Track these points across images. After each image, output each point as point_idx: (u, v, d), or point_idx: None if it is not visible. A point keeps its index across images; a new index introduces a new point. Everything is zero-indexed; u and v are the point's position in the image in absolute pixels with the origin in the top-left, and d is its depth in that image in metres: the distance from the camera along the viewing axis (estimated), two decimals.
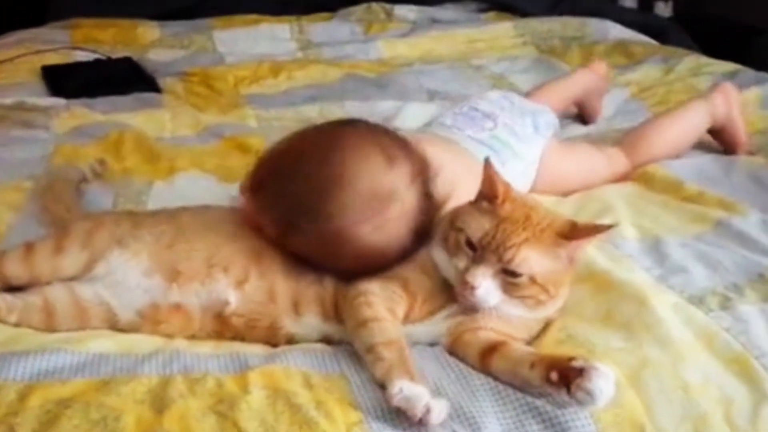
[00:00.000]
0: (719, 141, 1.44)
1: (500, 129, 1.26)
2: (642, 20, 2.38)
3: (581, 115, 1.63)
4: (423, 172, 0.93)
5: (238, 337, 0.90)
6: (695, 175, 1.27)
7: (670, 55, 1.93)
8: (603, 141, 1.43)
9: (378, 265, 0.89)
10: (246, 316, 0.89)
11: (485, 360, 0.82)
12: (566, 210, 1.11)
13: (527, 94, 1.56)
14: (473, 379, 0.81)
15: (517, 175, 1.18)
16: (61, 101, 1.64)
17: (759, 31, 2.39)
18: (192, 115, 1.62)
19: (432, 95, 1.75)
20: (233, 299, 0.89)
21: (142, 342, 0.87)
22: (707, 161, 1.36)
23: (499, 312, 0.85)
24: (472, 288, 0.83)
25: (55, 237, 0.96)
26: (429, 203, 0.92)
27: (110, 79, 1.78)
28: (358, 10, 2.34)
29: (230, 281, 0.90)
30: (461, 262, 0.85)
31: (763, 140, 1.45)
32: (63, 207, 1.12)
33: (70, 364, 0.80)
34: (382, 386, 0.77)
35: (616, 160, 1.34)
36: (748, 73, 1.75)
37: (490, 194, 0.87)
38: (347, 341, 0.87)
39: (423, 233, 0.92)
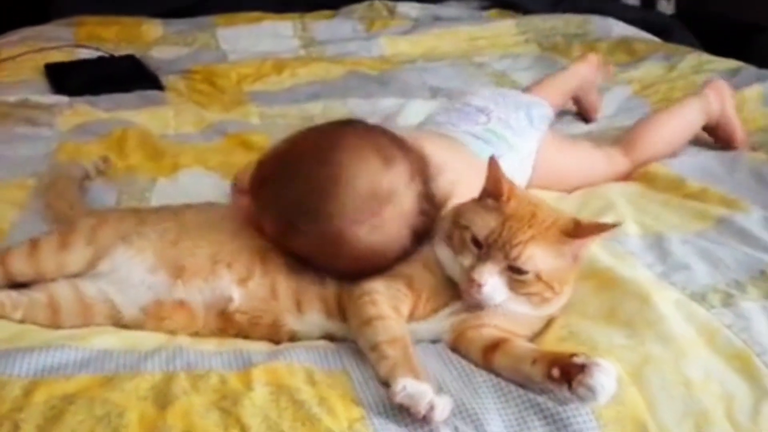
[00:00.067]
0: (716, 138, 1.44)
1: (494, 122, 1.26)
2: (644, 17, 2.38)
3: (580, 111, 1.64)
4: (422, 172, 0.93)
5: (241, 334, 0.91)
6: (697, 173, 1.28)
7: (673, 53, 1.93)
8: (602, 141, 1.43)
9: (378, 265, 0.89)
10: (249, 313, 0.90)
11: (488, 356, 0.83)
12: (568, 207, 1.12)
13: (525, 90, 1.56)
14: (475, 376, 0.81)
15: (514, 167, 1.19)
16: (64, 99, 1.64)
17: (761, 29, 2.38)
18: (195, 113, 1.63)
19: (434, 92, 1.75)
20: (237, 296, 0.89)
21: (146, 339, 0.87)
22: (709, 158, 1.36)
23: (505, 309, 0.86)
24: (479, 285, 0.83)
25: (60, 233, 0.96)
26: (429, 203, 0.93)
27: (113, 76, 1.79)
28: (361, 7, 2.34)
29: (234, 278, 0.90)
30: (467, 260, 0.86)
31: (765, 137, 1.45)
32: (66, 204, 1.13)
33: (74, 361, 0.80)
34: (386, 384, 0.77)
35: (615, 159, 1.34)
36: (750, 70, 1.75)
37: (495, 192, 0.87)
38: (350, 339, 0.87)
39: (423, 234, 0.92)
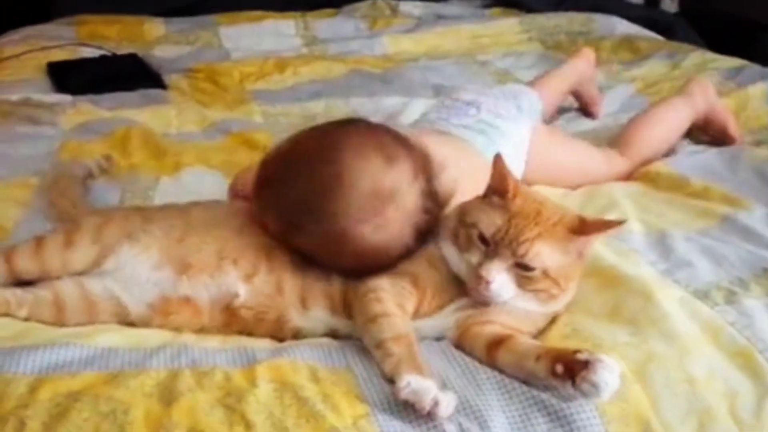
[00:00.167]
0: (711, 135, 1.45)
1: (485, 114, 1.27)
2: (648, 16, 2.37)
3: (581, 105, 1.64)
4: (425, 170, 0.93)
5: (246, 330, 0.91)
6: (700, 172, 1.27)
7: (676, 51, 1.93)
8: (600, 141, 1.44)
9: (381, 264, 0.90)
10: (254, 309, 0.90)
11: (491, 353, 0.83)
12: (571, 204, 1.12)
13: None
14: (479, 373, 0.81)
15: (509, 154, 1.19)
16: (67, 98, 1.64)
17: (764, 27, 2.38)
18: (198, 112, 1.63)
19: (438, 91, 1.75)
20: (242, 292, 0.90)
21: (150, 336, 0.88)
22: (712, 157, 1.36)
23: (512, 306, 0.86)
24: (487, 282, 0.84)
25: (66, 231, 0.96)
26: (432, 201, 0.93)
27: (116, 75, 1.79)
28: (363, 6, 2.34)
29: (240, 274, 0.91)
30: (474, 257, 0.86)
31: None
32: (70, 203, 1.13)
33: (79, 358, 0.81)
34: (391, 381, 0.78)
35: (614, 160, 1.34)
36: (754, 68, 1.75)
37: (500, 189, 0.88)
38: (354, 335, 0.88)
39: (427, 232, 0.92)
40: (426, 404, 0.73)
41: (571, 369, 0.76)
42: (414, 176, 0.92)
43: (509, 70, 1.90)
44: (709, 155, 1.37)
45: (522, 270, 0.85)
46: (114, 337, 0.86)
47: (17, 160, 1.32)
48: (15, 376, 0.77)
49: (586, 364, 0.75)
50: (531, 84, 1.57)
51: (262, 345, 0.87)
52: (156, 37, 2.13)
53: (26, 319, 0.90)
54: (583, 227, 0.86)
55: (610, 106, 1.65)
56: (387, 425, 0.74)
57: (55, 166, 1.28)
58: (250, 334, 0.91)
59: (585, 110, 1.63)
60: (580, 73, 1.62)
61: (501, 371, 0.81)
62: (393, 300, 0.85)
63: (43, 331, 0.88)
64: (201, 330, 0.90)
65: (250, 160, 1.27)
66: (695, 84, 1.48)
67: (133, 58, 1.91)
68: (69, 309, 0.90)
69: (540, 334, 0.89)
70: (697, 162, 1.33)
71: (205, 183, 1.29)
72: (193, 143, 1.46)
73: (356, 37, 2.14)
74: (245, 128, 1.53)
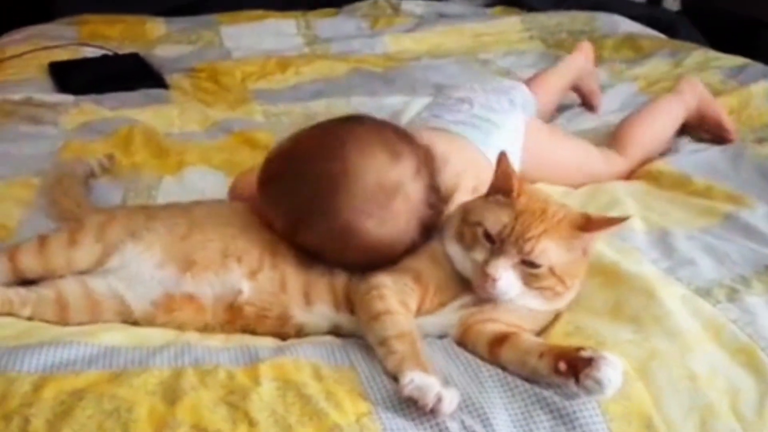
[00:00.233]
0: (706, 131, 1.46)
1: (477, 108, 1.28)
2: (650, 14, 2.37)
3: (582, 99, 1.65)
4: (428, 165, 0.94)
5: (249, 327, 0.91)
6: (703, 170, 1.28)
7: (679, 49, 1.93)
8: (601, 141, 1.44)
9: (387, 258, 0.90)
10: (258, 306, 0.90)
11: (494, 350, 0.83)
12: (574, 202, 1.11)
13: (525, 83, 1.56)
14: (482, 371, 0.82)
15: (503, 146, 1.19)
16: (69, 97, 1.64)
17: (767, 25, 2.38)
18: (200, 111, 1.63)
19: (439, 90, 1.74)
20: (246, 288, 0.90)
21: (154, 335, 0.88)
22: (715, 155, 1.36)
23: (515, 304, 0.86)
24: (494, 280, 0.84)
25: (69, 230, 0.96)
26: (435, 195, 0.93)
27: (117, 75, 1.79)
28: (365, 5, 2.34)
29: (244, 271, 0.91)
30: (480, 255, 0.86)
31: None
32: (72, 202, 1.13)
33: (83, 357, 0.81)
34: (395, 378, 0.78)
35: (613, 159, 1.34)
36: (756, 66, 1.74)
37: (505, 187, 0.88)
38: (357, 332, 0.88)
39: (431, 226, 0.92)
40: (429, 401, 0.74)
41: (574, 366, 0.76)
42: (417, 171, 0.92)
43: (511, 68, 1.90)
44: (711, 153, 1.37)
45: (528, 267, 0.85)
46: (117, 335, 0.86)
47: (19, 159, 1.32)
48: (19, 374, 0.77)
49: (589, 362, 0.76)
50: (529, 82, 1.57)
51: (264, 343, 0.88)
52: (157, 37, 2.13)
53: (29, 318, 0.90)
54: (587, 224, 0.87)
55: (612, 105, 1.65)
56: (390, 423, 0.75)
57: (57, 166, 1.28)
58: (252, 331, 0.91)
59: (585, 104, 1.64)
60: (579, 69, 1.62)
61: (504, 369, 0.82)
62: (396, 297, 0.86)
63: (47, 330, 0.88)
64: (204, 327, 0.91)
65: (251, 159, 1.28)
66: (684, 82, 1.50)
67: (134, 57, 1.91)
68: (72, 308, 0.91)
69: (542, 331, 0.89)
70: (700, 160, 1.33)
71: (207, 182, 1.29)
72: (195, 143, 1.46)
73: (358, 36, 2.14)
74: (247, 128, 1.53)
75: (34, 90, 1.67)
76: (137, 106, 1.62)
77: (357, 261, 0.90)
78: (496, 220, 0.86)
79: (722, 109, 1.46)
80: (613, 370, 0.75)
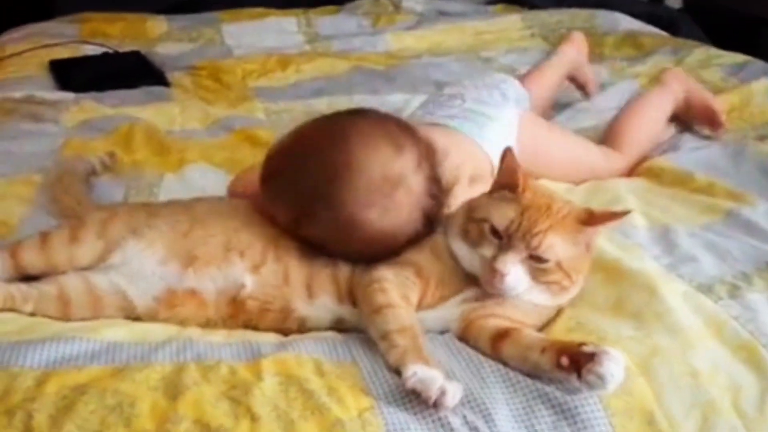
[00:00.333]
0: (698, 121, 1.46)
1: (470, 103, 1.29)
2: (652, 11, 2.37)
3: (578, 88, 1.66)
4: (429, 158, 0.95)
5: (251, 322, 0.91)
6: (705, 167, 1.28)
7: (680, 47, 1.92)
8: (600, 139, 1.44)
9: (390, 249, 0.91)
10: (260, 299, 0.90)
11: (496, 345, 0.83)
12: (576, 199, 1.11)
13: (520, 79, 1.56)
14: (483, 366, 0.82)
15: (498, 138, 1.20)
16: (69, 95, 1.64)
17: None
18: (201, 109, 1.63)
19: (440, 87, 1.74)
20: (249, 282, 0.90)
21: (155, 331, 0.88)
22: (716, 152, 1.36)
23: (519, 299, 0.87)
24: (502, 275, 0.84)
25: (71, 227, 0.97)
26: (436, 187, 0.94)
27: (119, 73, 1.79)
28: (366, 2, 2.34)
29: (247, 265, 0.91)
30: (488, 251, 0.86)
31: None
32: (73, 199, 1.13)
33: (85, 352, 0.81)
34: (397, 372, 0.78)
35: (612, 156, 1.34)
36: (758, 64, 1.75)
37: (510, 183, 0.88)
38: (360, 325, 0.88)
39: (433, 217, 0.93)
40: (433, 393, 0.74)
41: (576, 361, 0.76)
42: (419, 163, 0.93)
43: (512, 66, 1.90)
44: (713, 150, 1.37)
45: (536, 262, 0.85)
46: (120, 331, 0.86)
47: (21, 157, 1.32)
48: (22, 370, 0.77)
49: (591, 356, 0.76)
50: (523, 77, 1.57)
51: (266, 339, 0.88)
52: (158, 35, 2.14)
53: (32, 314, 0.90)
54: (590, 218, 0.87)
55: (613, 102, 1.64)
56: (392, 418, 0.75)
57: (59, 163, 1.28)
58: (255, 327, 0.91)
59: (582, 91, 1.66)
60: (572, 60, 1.63)
61: (505, 364, 0.82)
62: (397, 290, 0.86)
63: (49, 326, 0.88)
64: (206, 323, 0.91)
65: (253, 157, 1.28)
66: (667, 73, 1.52)
67: (135, 55, 1.91)
68: (74, 304, 0.91)
69: (544, 327, 0.89)
70: (701, 157, 1.33)
71: (209, 180, 1.29)
72: (197, 140, 1.46)
73: (359, 34, 2.14)
74: (248, 125, 1.53)
75: (34, 88, 1.67)
76: (138, 103, 1.62)
77: (360, 252, 0.91)
78: (502, 215, 0.86)
79: (708, 94, 1.47)
80: (615, 365, 0.75)
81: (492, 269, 0.85)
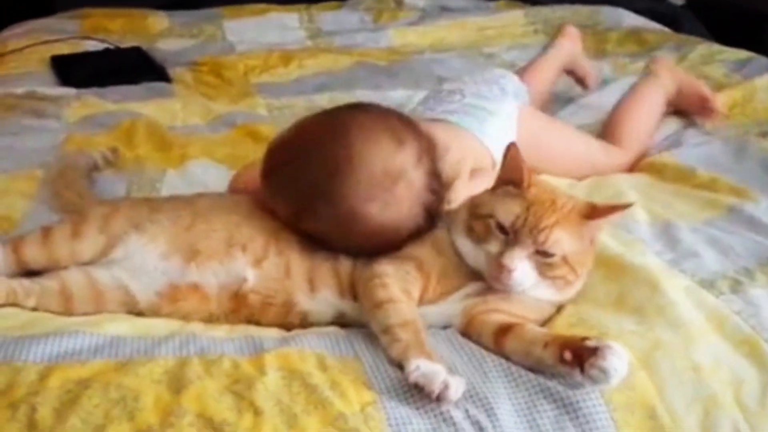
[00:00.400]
0: (690, 109, 1.46)
1: (469, 98, 1.29)
2: (654, 8, 2.36)
3: (575, 81, 1.66)
4: (430, 152, 0.95)
5: (253, 316, 0.91)
6: (707, 162, 1.28)
7: (683, 43, 1.92)
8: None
9: (391, 243, 0.91)
10: (262, 294, 0.91)
11: (499, 340, 0.83)
12: (578, 194, 1.11)
13: (517, 74, 1.56)
14: (486, 361, 0.82)
15: (498, 132, 1.20)
16: (71, 91, 1.64)
17: None
18: (203, 104, 1.63)
19: (443, 83, 1.75)
20: (251, 276, 0.90)
21: (158, 325, 0.88)
22: (719, 148, 1.36)
23: (530, 294, 0.87)
24: (509, 271, 0.84)
25: (72, 222, 0.97)
26: (437, 181, 0.94)
27: (120, 68, 1.79)
28: None
29: (249, 259, 0.91)
30: (494, 247, 0.86)
31: None
32: (75, 194, 1.13)
33: (89, 346, 0.81)
34: (399, 366, 0.78)
35: (613, 151, 1.34)
36: (761, 60, 1.74)
37: (515, 179, 0.88)
38: (361, 319, 0.88)
39: (433, 212, 0.93)
40: (436, 387, 0.74)
41: (579, 356, 0.76)
42: (420, 158, 0.93)
43: (515, 62, 1.89)
44: (715, 146, 1.36)
45: (542, 257, 0.85)
46: (122, 325, 0.86)
47: (22, 152, 1.32)
48: (25, 364, 0.78)
49: (594, 351, 0.76)
50: (520, 72, 1.57)
51: (269, 334, 0.88)
52: (160, 30, 2.13)
53: (34, 309, 0.91)
54: (594, 212, 0.88)
55: (616, 98, 1.64)
56: (394, 412, 0.75)
57: (60, 158, 1.28)
58: (257, 321, 0.91)
59: (581, 85, 1.65)
60: (567, 53, 1.63)
61: (508, 359, 0.82)
62: (398, 285, 0.86)
63: (51, 321, 0.88)
64: (209, 317, 0.91)
65: (254, 152, 1.27)
66: (655, 64, 1.51)
67: (137, 51, 1.90)
68: (76, 298, 0.91)
69: (546, 322, 0.89)
70: (704, 153, 1.33)
71: (210, 175, 1.29)
72: (198, 136, 1.46)
73: (361, 30, 2.14)
74: (250, 121, 1.53)
75: (36, 84, 1.67)
76: (140, 99, 1.62)
77: (361, 247, 0.91)
78: (508, 211, 0.86)
79: (698, 81, 1.47)
80: (618, 360, 0.75)
81: (499, 265, 0.85)
